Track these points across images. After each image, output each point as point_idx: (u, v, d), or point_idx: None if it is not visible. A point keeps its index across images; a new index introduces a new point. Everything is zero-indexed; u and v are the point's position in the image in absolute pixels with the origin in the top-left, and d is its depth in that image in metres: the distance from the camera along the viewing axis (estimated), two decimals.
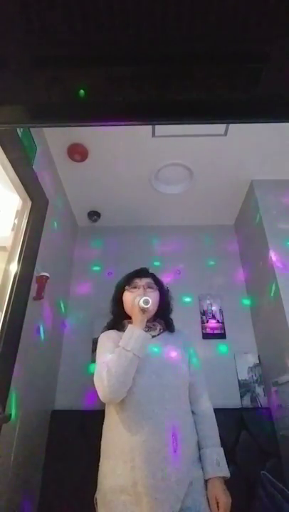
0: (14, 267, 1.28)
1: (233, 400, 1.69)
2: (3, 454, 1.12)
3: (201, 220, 2.30)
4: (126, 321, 1.18)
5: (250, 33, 0.44)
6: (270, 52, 0.46)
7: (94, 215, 2.22)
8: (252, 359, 1.81)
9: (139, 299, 1.08)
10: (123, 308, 1.21)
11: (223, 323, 1.95)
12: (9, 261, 1.30)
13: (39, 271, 1.46)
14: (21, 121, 0.61)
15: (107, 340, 1.12)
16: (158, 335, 1.17)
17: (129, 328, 1.05)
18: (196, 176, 1.90)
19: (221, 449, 1.01)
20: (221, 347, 1.87)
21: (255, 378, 1.76)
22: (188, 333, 1.28)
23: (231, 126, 1.55)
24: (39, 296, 1.44)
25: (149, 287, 1.21)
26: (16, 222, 1.41)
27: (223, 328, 1.93)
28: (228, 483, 0.97)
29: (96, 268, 2.14)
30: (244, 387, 1.73)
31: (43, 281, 1.47)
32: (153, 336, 1.13)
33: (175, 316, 1.27)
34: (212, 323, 1.95)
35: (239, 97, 0.51)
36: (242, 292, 2.05)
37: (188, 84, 0.50)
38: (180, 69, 0.48)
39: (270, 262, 1.67)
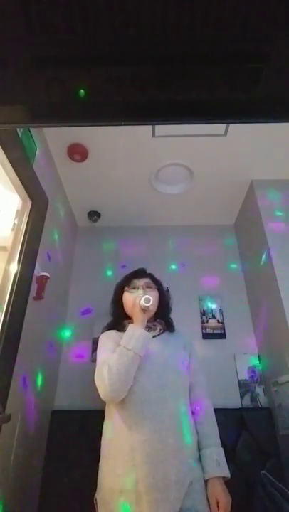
0: (14, 267, 1.28)
1: (233, 400, 1.69)
2: (3, 454, 1.12)
3: (201, 220, 2.30)
4: (126, 322, 1.19)
5: (250, 33, 0.44)
6: (270, 52, 0.46)
7: (94, 215, 2.22)
8: (252, 359, 1.81)
9: (140, 298, 1.08)
10: (123, 309, 1.21)
11: (223, 323, 1.95)
12: (9, 261, 1.30)
13: (39, 271, 1.46)
14: (21, 121, 0.60)
15: (107, 339, 1.12)
16: (158, 335, 1.17)
17: (130, 327, 1.05)
18: (196, 176, 1.90)
19: (221, 449, 1.02)
20: (221, 347, 1.87)
21: (255, 378, 1.76)
22: (188, 333, 1.28)
23: (231, 126, 1.55)
24: (39, 296, 1.44)
25: (148, 287, 1.21)
26: (16, 222, 1.41)
27: (223, 328, 1.93)
28: (228, 483, 0.97)
29: (96, 268, 2.14)
30: (244, 387, 1.73)
31: (43, 281, 1.47)
32: (153, 336, 1.13)
33: (175, 316, 1.27)
34: (212, 323, 1.95)
35: (239, 97, 0.51)
36: (242, 292, 2.05)
37: (188, 84, 0.50)
38: (180, 69, 0.48)
39: (270, 262, 1.67)
